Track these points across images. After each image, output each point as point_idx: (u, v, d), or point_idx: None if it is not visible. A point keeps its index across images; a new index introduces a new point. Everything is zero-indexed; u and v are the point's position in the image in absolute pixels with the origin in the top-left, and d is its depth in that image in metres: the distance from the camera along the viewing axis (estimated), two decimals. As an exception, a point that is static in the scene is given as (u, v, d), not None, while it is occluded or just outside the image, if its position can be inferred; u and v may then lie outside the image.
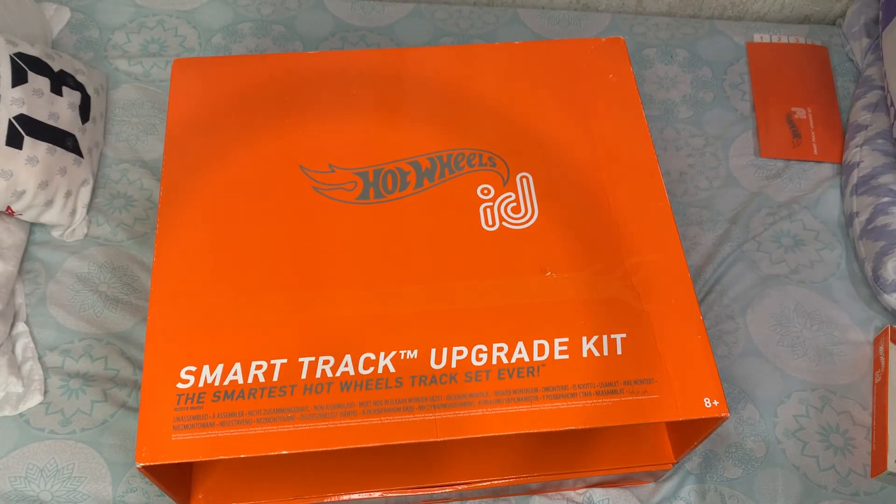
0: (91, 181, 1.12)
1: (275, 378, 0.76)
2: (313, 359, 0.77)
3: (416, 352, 0.78)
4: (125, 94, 1.25)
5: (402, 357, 0.77)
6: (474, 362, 0.77)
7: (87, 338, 1.04)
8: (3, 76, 1.03)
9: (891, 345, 1.04)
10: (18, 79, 1.04)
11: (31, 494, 0.93)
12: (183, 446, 0.72)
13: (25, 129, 1.02)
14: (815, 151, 1.26)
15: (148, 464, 0.72)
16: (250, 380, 0.75)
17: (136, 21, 1.33)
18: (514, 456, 0.91)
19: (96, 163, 1.16)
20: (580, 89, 0.97)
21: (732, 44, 1.39)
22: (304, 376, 0.76)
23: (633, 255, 0.85)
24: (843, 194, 1.22)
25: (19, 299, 1.05)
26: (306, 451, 0.73)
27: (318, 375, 0.76)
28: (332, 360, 0.77)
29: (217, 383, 0.75)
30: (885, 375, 1.03)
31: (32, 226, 1.11)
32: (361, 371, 0.76)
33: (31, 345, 1.02)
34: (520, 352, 0.78)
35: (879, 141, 1.21)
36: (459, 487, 0.90)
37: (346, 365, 0.76)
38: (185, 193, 0.87)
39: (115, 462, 0.96)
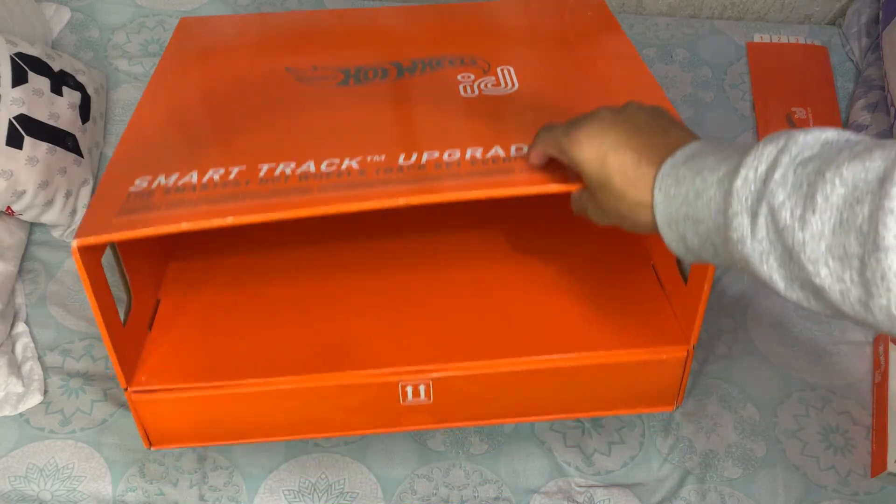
0: (91, 181, 1.12)
1: (231, 177, 0.72)
2: (274, 164, 0.73)
3: (383, 156, 0.73)
4: (125, 94, 1.25)
5: (368, 160, 0.73)
6: (445, 159, 0.73)
7: (87, 338, 1.04)
8: (4, 76, 1.03)
9: (891, 345, 1.04)
10: (18, 79, 1.04)
11: (31, 494, 0.93)
12: (124, 224, 0.67)
13: (26, 129, 1.02)
14: (815, 151, 1.26)
15: (84, 244, 0.66)
16: (205, 180, 0.72)
17: (136, 21, 1.33)
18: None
19: (96, 163, 1.16)
20: (563, 19, 1.05)
21: (732, 44, 1.39)
22: (262, 175, 0.72)
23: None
24: (843, 194, 1.22)
25: (19, 299, 1.05)
26: (254, 221, 0.67)
27: (276, 174, 0.72)
28: (293, 164, 0.73)
29: (171, 184, 0.72)
30: (885, 375, 1.03)
31: (32, 226, 1.11)
32: (323, 169, 0.72)
33: (31, 345, 1.02)
34: (496, 152, 0.73)
35: (879, 141, 1.21)
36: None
37: (308, 167, 0.73)
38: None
39: (115, 461, 0.96)
